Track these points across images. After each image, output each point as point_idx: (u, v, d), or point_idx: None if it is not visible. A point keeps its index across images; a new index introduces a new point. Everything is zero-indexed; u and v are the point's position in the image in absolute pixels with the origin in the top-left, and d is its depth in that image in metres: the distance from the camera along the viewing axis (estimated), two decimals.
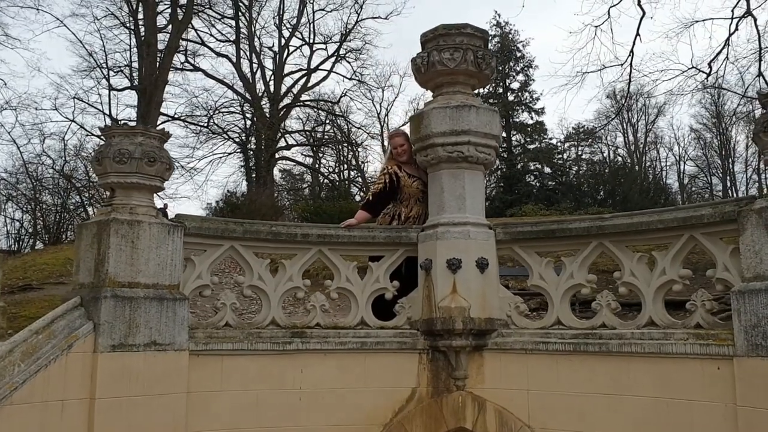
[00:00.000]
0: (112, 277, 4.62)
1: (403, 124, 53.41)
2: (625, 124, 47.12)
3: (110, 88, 28.65)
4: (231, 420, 5.01)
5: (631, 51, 16.20)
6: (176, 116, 29.48)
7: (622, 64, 16.50)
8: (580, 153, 48.78)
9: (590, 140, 47.92)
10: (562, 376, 5.06)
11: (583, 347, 5.00)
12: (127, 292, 4.65)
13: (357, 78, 36.04)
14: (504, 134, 39.82)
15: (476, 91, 5.93)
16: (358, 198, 40.63)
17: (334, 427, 5.21)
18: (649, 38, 39.13)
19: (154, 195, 5.13)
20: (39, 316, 9.16)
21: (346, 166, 43.74)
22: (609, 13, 16.94)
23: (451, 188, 5.46)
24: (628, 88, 17.96)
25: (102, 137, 5.01)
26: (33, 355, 4.30)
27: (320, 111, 37.16)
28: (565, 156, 47.92)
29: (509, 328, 5.33)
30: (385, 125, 44.50)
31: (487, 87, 41.43)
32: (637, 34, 16.40)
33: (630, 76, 16.31)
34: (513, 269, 11.11)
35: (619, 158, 48.55)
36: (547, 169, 45.39)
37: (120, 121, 27.01)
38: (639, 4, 16.44)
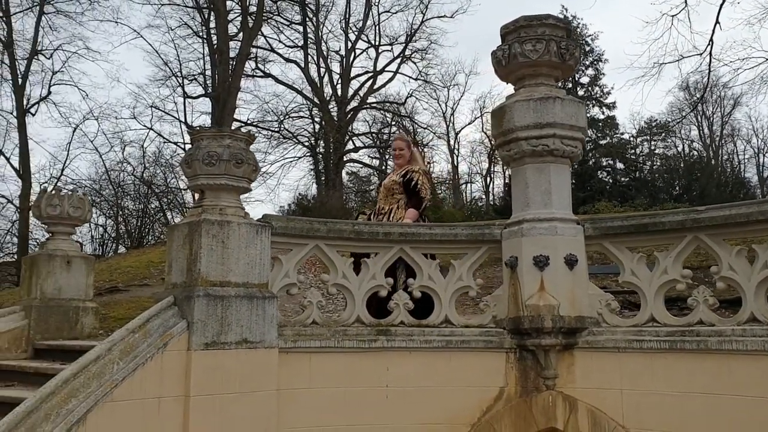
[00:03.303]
0: (204, 277, 4.72)
1: (468, 123, 53.24)
2: (699, 117, 45.43)
3: (185, 96, 29.61)
4: (319, 417, 5.05)
5: (711, 39, 15.56)
6: (249, 122, 30.12)
7: (701, 54, 15.86)
8: (653, 148, 47.31)
9: (664, 134, 46.44)
10: (658, 374, 4.87)
11: (680, 345, 4.81)
12: (218, 290, 4.74)
13: (422, 78, 36.00)
14: None
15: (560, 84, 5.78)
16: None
17: (421, 425, 5.18)
18: (729, 25, 37.39)
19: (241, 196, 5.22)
20: (127, 317, 9.51)
21: None
22: (686, 1, 16.31)
23: (536, 183, 5.34)
24: (708, 78, 17.26)
25: (186, 142, 5.13)
26: (130, 354, 4.43)
27: (386, 113, 37.27)
28: (637, 151, 46.54)
29: (600, 326, 5.17)
30: (450, 125, 44.33)
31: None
32: (717, 21, 15.74)
33: (710, 65, 15.64)
34: (591, 267, 10.82)
35: (695, 152, 46.85)
36: (620, 165, 44.16)
37: (196, 127, 27.85)
38: None
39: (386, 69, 35.50)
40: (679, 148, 47.23)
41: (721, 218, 4.83)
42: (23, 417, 3.88)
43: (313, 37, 34.07)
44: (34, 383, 5.58)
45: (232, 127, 24.44)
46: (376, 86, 35.66)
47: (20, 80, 26.02)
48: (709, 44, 15.72)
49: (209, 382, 4.59)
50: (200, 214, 4.89)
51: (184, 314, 4.67)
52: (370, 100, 36.09)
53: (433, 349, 5.30)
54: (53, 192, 6.91)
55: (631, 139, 45.77)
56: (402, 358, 5.27)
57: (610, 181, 43.24)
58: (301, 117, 34.88)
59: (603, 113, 43.75)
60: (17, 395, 5.17)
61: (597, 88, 43.68)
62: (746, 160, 46.35)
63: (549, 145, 5.27)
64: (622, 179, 43.49)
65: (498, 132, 5.51)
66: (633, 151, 45.67)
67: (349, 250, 5.60)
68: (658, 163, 46.71)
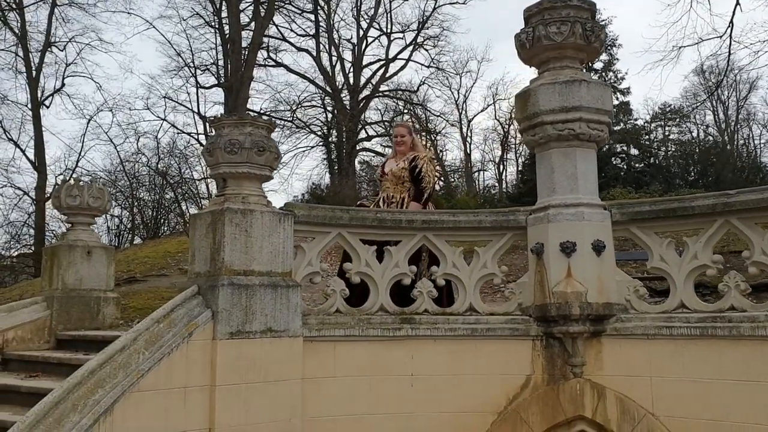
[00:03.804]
0: (228, 266, 4.68)
1: (481, 110, 52.90)
2: (714, 102, 44.90)
3: (198, 86, 29.59)
4: (345, 406, 5.01)
5: (731, 21, 15.29)
6: (261, 112, 30.01)
7: (720, 36, 15.59)
8: (667, 133, 46.86)
9: (678, 120, 45.97)
10: (688, 361, 4.79)
11: (711, 331, 4.73)
12: (242, 279, 4.70)
13: (435, 65, 35.76)
14: None
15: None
16: (437, 187, 40.55)
17: (447, 414, 5.13)
18: (749, 6, 36.60)
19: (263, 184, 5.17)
20: (147, 307, 9.52)
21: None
22: None
23: (561, 168, 5.25)
24: (728, 61, 16.97)
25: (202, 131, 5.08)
26: (156, 344, 4.41)
27: (398, 101, 37.10)
28: (651, 137, 46.10)
29: (628, 313, 5.09)
30: (463, 112, 44.09)
31: None
32: (737, 2, 15.46)
33: (729, 48, 15.38)
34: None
35: (710, 137, 46.33)
36: (634, 151, 43.77)
37: (208, 118, 27.83)
38: None
39: (398, 57, 35.28)
40: (694, 134, 46.75)
41: (753, 202, 4.73)
42: (51, 407, 3.87)
43: (324, 26, 33.91)
44: (57, 373, 5.60)
45: None
46: (388, 74, 35.47)
47: (34, 72, 26.07)
48: (729, 26, 15.47)
49: (235, 372, 4.56)
50: (223, 203, 4.84)
51: (208, 303, 4.64)
52: (383, 88, 35.91)
53: (458, 337, 5.24)
54: (73, 183, 6.89)
55: (646, 124, 45.34)
56: (427, 347, 5.22)
57: (625, 167, 42.86)
58: (314, 106, 34.79)
59: (617, 99, 43.32)
60: (42, 386, 5.19)
61: (611, 73, 43.26)
62: (762, 145, 45.81)
63: (575, 129, 5.17)
64: (637, 165, 43.10)
65: (522, 116, 5.42)
66: (647, 136, 45.24)
67: (372, 238, 5.54)
68: (672, 149, 46.26)
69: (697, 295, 5.08)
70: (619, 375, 5.02)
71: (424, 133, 40.77)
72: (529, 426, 5.08)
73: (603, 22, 42.75)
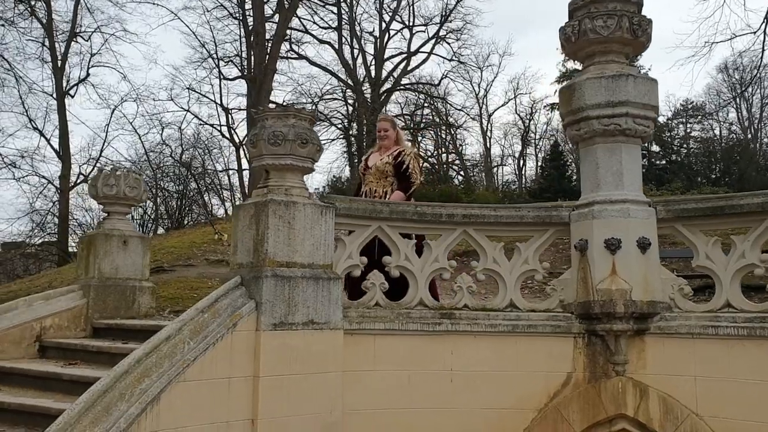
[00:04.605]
0: (271, 257, 4.67)
1: (502, 105, 52.59)
2: (738, 99, 44.31)
3: (221, 77, 29.70)
4: (384, 399, 5.01)
5: (766, 17, 15.01)
6: (284, 104, 30.09)
7: (754, 32, 15.32)
8: (688, 131, 46.34)
9: (701, 117, 45.46)
10: (735, 362, 4.73)
11: (759, 331, 4.68)
12: (285, 271, 4.69)
13: (456, 59, 35.60)
14: None
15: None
16: (456, 181, 40.47)
17: (487, 410, 5.10)
18: None
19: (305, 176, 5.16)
20: (177, 297, 9.57)
21: (443, 149, 43.46)
22: None
23: (607, 164, 5.18)
24: (762, 57, 16.66)
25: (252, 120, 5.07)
26: (200, 333, 4.41)
27: (420, 94, 36.98)
28: (673, 134, 45.62)
29: (673, 312, 5.03)
30: (484, 106, 43.89)
31: None
32: None
33: (763, 44, 15.12)
34: None
35: (733, 135, 45.75)
36: (656, 148, 43.36)
37: (231, 110, 27.95)
38: None
39: (420, 50, 35.18)
40: (716, 131, 46.20)
41: None
42: (99, 396, 3.89)
43: (347, 19, 33.86)
44: (96, 362, 5.64)
45: None
46: (409, 68, 35.38)
47: (59, 62, 26.27)
48: (764, 22, 15.19)
49: (277, 363, 4.57)
50: (266, 195, 4.83)
51: (251, 294, 4.64)
52: (404, 81, 35.83)
53: (499, 333, 5.20)
54: (110, 172, 6.92)
55: (668, 121, 44.87)
56: (466, 342, 5.19)
57: (646, 164, 42.51)
58: (335, 99, 34.78)
59: None
60: (83, 374, 5.23)
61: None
62: None
63: (621, 124, 5.10)
64: (658, 162, 42.72)
65: (567, 110, 5.35)
66: (669, 133, 44.79)
67: (412, 232, 5.51)
68: (693, 147, 45.77)
69: (743, 295, 5.01)
70: (662, 374, 4.96)
71: (444, 127, 40.70)
72: (570, 424, 5.04)
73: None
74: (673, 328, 4.96)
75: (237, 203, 5.38)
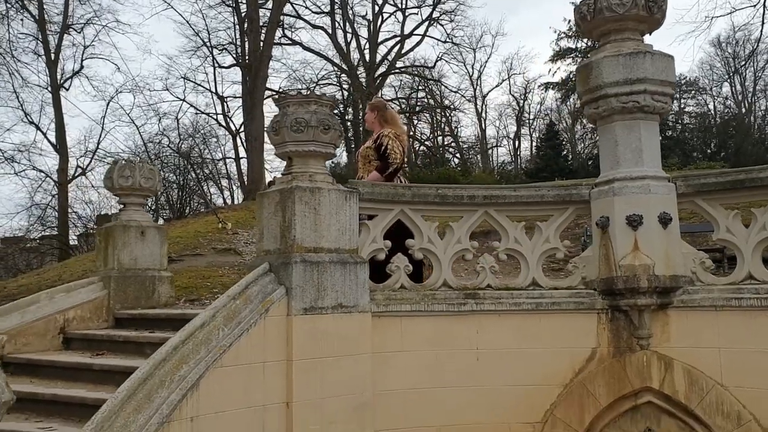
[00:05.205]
0: (299, 243, 4.72)
1: (496, 86, 52.48)
2: (731, 73, 44.32)
3: (216, 65, 29.57)
4: (412, 379, 5.08)
5: None
6: (279, 90, 29.98)
7: (754, 5, 15.34)
8: (682, 106, 46.39)
9: (694, 92, 45.49)
10: (759, 332, 4.81)
11: None
12: (313, 257, 4.74)
13: (450, 41, 35.52)
14: None
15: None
16: (453, 163, 40.49)
17: (513, 387, 5.18)
18: None
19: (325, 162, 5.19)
20: (191, 286, 9.61)
21: (439, 132, 43.44)
22: None
23: (626, 141, 5.22)
24: (762, 31, 16.67)
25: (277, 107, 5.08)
26: (233, 320, 4.46)
27: (415, 77, 36.90)
28: None
29: (695, 285, 5.09)
30: (478, 87, 43.83)
31: (583, 40, 40.16)
32: None
33: (763, 17, 15.14)
34: None
35: (728, 110, 45.82)
36: None
37: (226, 98, 27.84)
38: None
39: (414, 32, 35.08)
40: (711, 106, 46.27)
41: None
42: (139, 383, 3.94)
43: (339, 2, 33.68)
44: (123, 351, 5.70)
45: (264, 96, 24.37)
46: (403, 51, 35.30)
47: (53, 55, 26.12)
48: None
49: (309, 347, 4.63)
50: (291, 181, 4.87)
51: (281, 280, 4.69)
52: (399, 64, 35.74)
53: (523, 311, 5.27)
54: (125, 163, 6.93)
55: None
56: (491, 321, 5.26)
57: None
58: (330, 84, 34.68)
59: None
60: (113, 363, 5.29)
61: None
62: None
63: (639, 101, 5.14)
64: None
65: (584, 89, 5.38)
66: None
67: (434, 215, 5.56)
68: (687, 121, 45.81)
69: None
70: (686, 347, 5.04)
71: (439, 110, 40.61)
72: (596, 398, 5.12)
73: None
74: (696, 301, 5.03)
75: (261, 191, 5.39)
